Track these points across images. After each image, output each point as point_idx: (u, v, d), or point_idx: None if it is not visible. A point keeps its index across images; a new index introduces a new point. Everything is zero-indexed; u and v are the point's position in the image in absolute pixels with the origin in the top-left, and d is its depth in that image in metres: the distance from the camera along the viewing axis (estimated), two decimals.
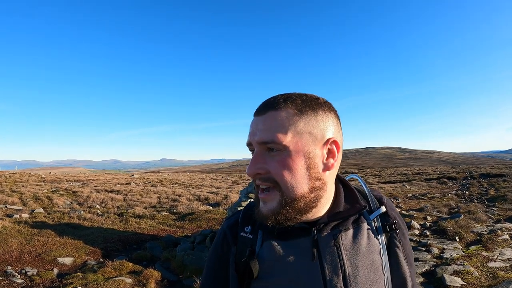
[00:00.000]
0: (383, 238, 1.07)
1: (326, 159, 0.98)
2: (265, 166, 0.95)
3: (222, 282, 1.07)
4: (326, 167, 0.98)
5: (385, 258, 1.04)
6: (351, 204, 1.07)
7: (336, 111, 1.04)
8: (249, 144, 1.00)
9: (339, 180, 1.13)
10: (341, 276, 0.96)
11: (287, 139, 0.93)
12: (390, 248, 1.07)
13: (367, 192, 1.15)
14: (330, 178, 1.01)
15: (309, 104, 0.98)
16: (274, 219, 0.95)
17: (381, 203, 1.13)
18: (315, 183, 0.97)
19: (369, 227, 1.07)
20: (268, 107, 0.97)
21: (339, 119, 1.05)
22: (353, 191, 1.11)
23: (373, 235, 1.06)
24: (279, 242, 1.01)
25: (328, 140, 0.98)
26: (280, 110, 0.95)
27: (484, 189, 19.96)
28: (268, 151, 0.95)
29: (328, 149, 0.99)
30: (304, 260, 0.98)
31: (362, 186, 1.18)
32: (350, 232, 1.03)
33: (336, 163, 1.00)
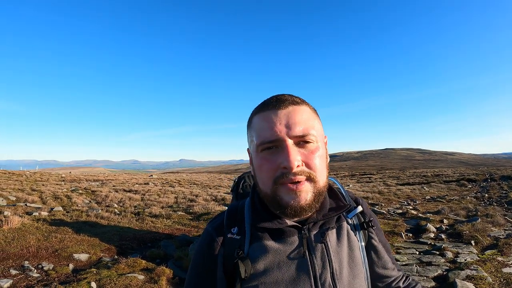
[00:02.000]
0: (361, 235, 1.17)
1: None
2: (301, 159, 0.97)
3: (208, 285, 1.07)
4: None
5: (363, 254, 1.14)
6: (336, 203, 1.15)
7: None
8: (275, 140, 0.98)
9: None
10: (329, 272, 1.03)
11: (317, 131, 1.02)
12: (369, 243, 1.20)
13: (344, 193, 1.23)
14: None
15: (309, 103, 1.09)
16: (310, 209, 1.01)
17: (357, 203, 1.23)
18: (327, 173, 1.07)
19: (349, 225, 1.16)
20: (287, 102, 1.01)
21: None
22: (335, 191, 1.19)
23: (352, 233, 1.15)
24: (271, 242, 1.05)
25: (324, 136, 1.11)
26: (301, 105, 1.03)
27: (504, 192, 19.47)
28: (299, 143, 0.99)
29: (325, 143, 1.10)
30: (295, 258, 1.03)
31: (339, 187, 1.25)
32: (334, 230, 1.12)
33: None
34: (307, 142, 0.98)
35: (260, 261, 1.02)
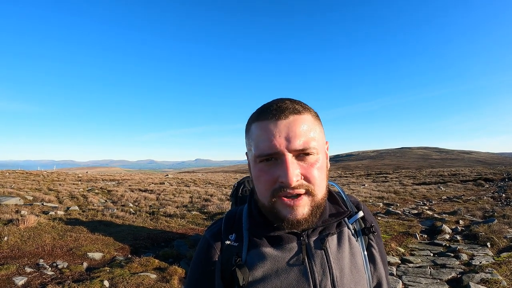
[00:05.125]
0: (362, 241, 1.13)
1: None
2: (300, 172, 0.95)
3: None
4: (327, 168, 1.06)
5: (365, 259, 1.11)
6: (336, 209, 1.13)
7: None
8: (274, 153, 0.95)
9: None
10: (329, 279, 1.00)
11: (317, 143, 0.98)
12: (368, 250, 1.14)
13: (345, 198, 1.19)
14: None
15: (312, 109, 1.05)
16: (306, 223, 0.98)
17: (358, 208, 1.19)
18: (327, 183, 1.05)
19: (350, 231, 1.13)
20: (288, 111, 0.97)
21: None
22: (335, 196, 1.16)
23: (353, 238, 1.12)
24: (269, 249, 1.04)
25: (326, 142, 1.07)
26: (303, 114, 0.98)
27: None
28: (299, 156, 0.96)
29: (326, 151, 1.06)
30: (294, 265, 1.01)
31: (339, 192, 1.22)
32: (335, 236, 1.09)
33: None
34: (307, 154, 0.96)
35: (258, 268, 1.01)
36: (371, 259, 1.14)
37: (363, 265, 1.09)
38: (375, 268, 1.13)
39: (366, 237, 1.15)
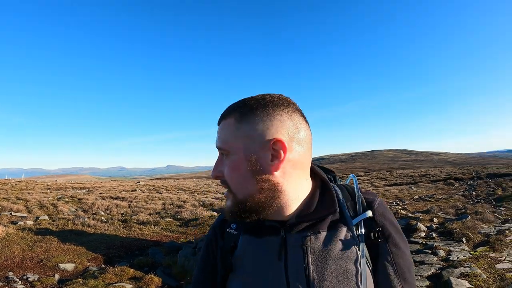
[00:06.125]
0: (364, 247, 0.98)
1: (272, 160, 0.95)
2: (222, 170, 1.02)
3: (210, 272, 1.14)
4: (273, 168, 0.95)
5: (363, 268, 0.96)
6: (326, 206, 1.00)
7: (288, 106, 0.99)
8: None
9: (320, 180, 1.08)
10: (304, 281, 0.92)
11: (229, 145, 0.99)
12: (378, 259, 1.01)
13: (356, 194, 1.07)
14: (284, 178, 0.97)
15: (251, 107, 0.98)
16: (229, 216, 1.02)
17: (369, 207, 1.04)
18: (262, 185, 0.96)
19: (349, 233, 0.99)
20: (221, 117, 1.05)
21: (296, 114, 0.99)
22: (331, 192, 1.03)
23: (352, 242, 0.98)
24: (252, 238, 1.04)
25: (270, 140, 0.94)
26: (226, 119, 1.02)
27: (491, 189, 19.82)
28: (223, 156, 1.02)
29: (273, 149, 0.94)
30: (271, 259, 0.98)
31: (354, 185, 1.11)
32: (323, 235, 0.97)
33: (284, 163, 0.95)
34: (224, 154, 1.02)
35: (245, 257, 1.03)
36: (381, 269, 1.00)
37: (355, 273, 0.95)
38: (386, 281, 0.99)
39: (373, 242, 1.00)
